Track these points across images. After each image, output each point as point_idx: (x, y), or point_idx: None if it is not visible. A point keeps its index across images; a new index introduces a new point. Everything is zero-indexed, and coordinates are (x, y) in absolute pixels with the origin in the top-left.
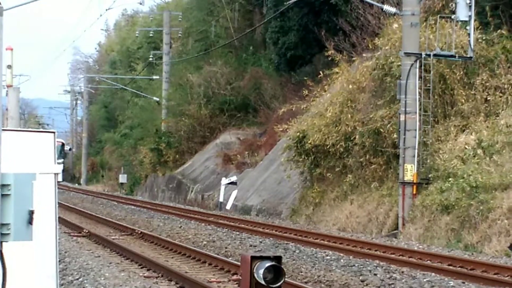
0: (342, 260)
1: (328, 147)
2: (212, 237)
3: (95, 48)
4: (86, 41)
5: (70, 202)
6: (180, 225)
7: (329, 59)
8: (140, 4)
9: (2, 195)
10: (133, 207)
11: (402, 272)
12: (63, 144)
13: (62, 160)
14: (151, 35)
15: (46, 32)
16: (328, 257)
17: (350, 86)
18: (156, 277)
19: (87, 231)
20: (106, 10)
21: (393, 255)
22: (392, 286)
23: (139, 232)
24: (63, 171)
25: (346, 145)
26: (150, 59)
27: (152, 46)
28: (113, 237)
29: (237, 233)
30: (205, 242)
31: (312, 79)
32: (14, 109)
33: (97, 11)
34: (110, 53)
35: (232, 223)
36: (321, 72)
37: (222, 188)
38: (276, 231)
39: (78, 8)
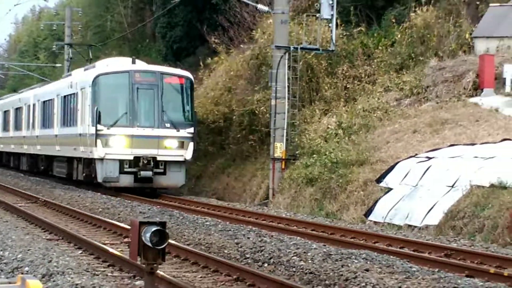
0: (219, 226)
1: (209, 123)
2: (107, 205)
3: (5, 39)
4: None
5: None
6: (79, 195)
7: (210, 50)
8: (45, 1)
9: None
10: (37, 178)
11: (272, 236)
12: (191, 82)
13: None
14: (54, 28)
15: None
16: (207, 223)
17: (231, 73)
18: (57, 240)
19: None
20: (15, 5)
21: (264, 221)
22: (263, 248)
23: (43, 200)
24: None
25: (225, 123)
26: (53, 49)
27: (55, 37)
28: (19, 205)
29: (129, 201)
30: (100, 209)
31: (195, 69)
32: None
33: (7, 6)
34: (19, 44)
35: (124, 193)
36: (202, 63)
37: None
38: (162, 200)
39: None
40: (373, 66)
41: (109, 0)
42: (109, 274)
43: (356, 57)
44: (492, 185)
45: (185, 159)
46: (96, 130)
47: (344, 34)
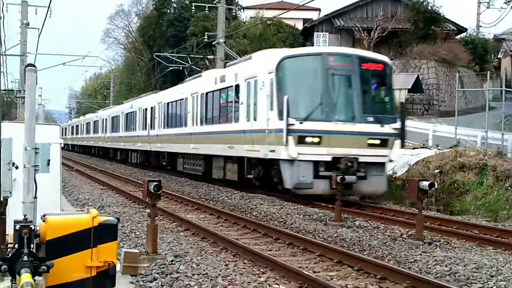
0: (188, 182)
1: None
2: (131, 172)
3: (80, 88)
4: (76, 85)
5: (68, 156)
6: (117, 166)
7: None
8: (100, 69)
9: (36, 152)
10: (97, 159)
11: (214, 187)
12: (391, 69)
13: (400, 123)
14: (105, 83)
15: (56, 81)
16: (182, 181)
17: None
18: (107, 189)
19: (75, 168)
20: (85, 71)
21: (210, 182)
22: (210, 193)
23: (99, 169)
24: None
25: None
26: (105, 93)
27: (105, 87)
28: (87, 172)
29: (144, 170)
30: (128, 174)
31: None
32: (41, 115)
33: (79, 72)
34: (87, 91)
35: (142, 169)
36: None
37: None
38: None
39: (72, 70)
40: None
41: (133, 69)
42: (132, 206)
43: None
44: None
45: (390, 160)
46: (287, 124)
47: None
